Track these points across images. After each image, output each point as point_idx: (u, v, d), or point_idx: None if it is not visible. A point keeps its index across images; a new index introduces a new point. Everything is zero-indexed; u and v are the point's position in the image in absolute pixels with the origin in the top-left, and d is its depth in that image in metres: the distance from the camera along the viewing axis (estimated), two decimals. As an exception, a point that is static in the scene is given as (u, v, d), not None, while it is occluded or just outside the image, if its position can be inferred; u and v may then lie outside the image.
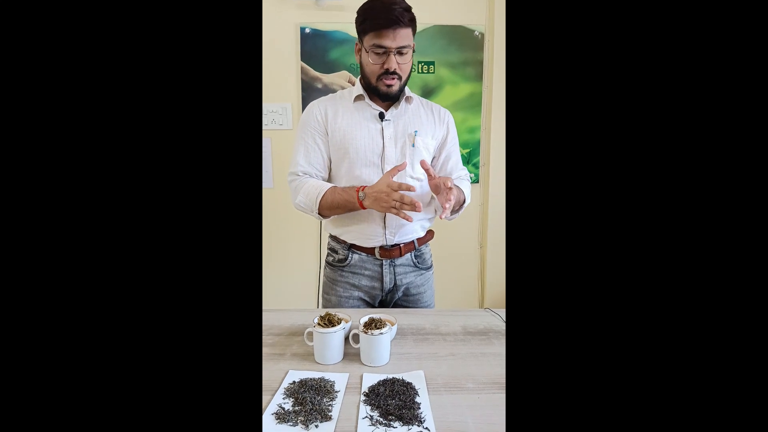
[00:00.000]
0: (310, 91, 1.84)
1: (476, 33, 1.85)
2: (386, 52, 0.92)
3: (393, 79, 0.95)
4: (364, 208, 0.94)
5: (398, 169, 0.89)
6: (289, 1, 1.79)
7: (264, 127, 1.86)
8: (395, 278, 1.07)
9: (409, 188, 0.86)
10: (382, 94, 0.98)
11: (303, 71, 1.83)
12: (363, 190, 0.93)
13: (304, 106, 1.88)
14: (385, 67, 0.93)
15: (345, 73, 1.83)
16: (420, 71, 1.86)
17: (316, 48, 1.82)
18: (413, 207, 0.84)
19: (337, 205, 0.97)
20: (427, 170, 0.91)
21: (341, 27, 1.80)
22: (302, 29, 1.81)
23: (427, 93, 1.86)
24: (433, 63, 1.86)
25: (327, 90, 1.84)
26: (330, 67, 1.83)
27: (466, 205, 1.07)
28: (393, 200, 0.86)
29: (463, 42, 1.85)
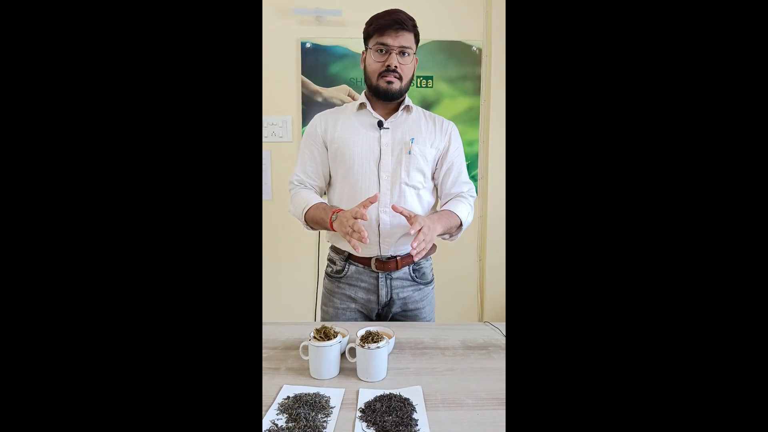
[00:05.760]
0: (310, 105, 1.86)
1: (474, 48, 1.88)
2: (388, 50, 0.98)
3: (394, 76, 0.98)
4: (333, 230, 0.96)
5: (371, 201, 0.90)
6: (290, 17, 1.83)
7: (264, 140, 1.87)
8: (391, 292, 1.06)
9: (363, 217, 0.88)
10: (383, 93, 1.00)
11: (303, 85, 1.86)
12: (337, 212, 0.95)
13: (304, 119, 1.90)
14: (387, 64, 0.98)
15: (345, 87, 1.86)
16: (419, 85, 1.88)
17: (316, 62, 1.84)
18: (360, 236, 0.86)
19: (316, 221, 1.01)
20: (399, 212, 0.92)
21: (341, 42, 1.83)
22: (303, 44, 1.84)
23: (426, 107, 1.87)
24: (431, 77, 1.88)
25: (327, 103, 1.86)
26: (330, 81, 1.86)
27: (465, 226, 1.06)
28: (348, 226, 0.88)
29: (461, 57, 1.87)
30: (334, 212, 0.96)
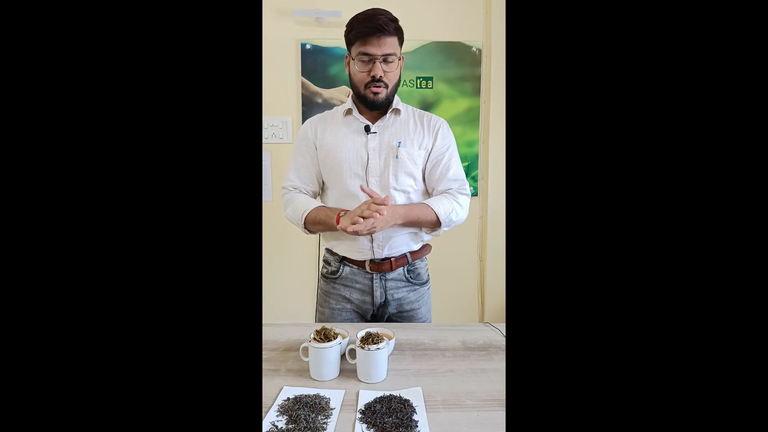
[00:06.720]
0: (310, 106, 1.86)
1: (474, 49, 1.88)
2: (372, 59, 0.95)
3: (379, 87, 0.97)
4: (338, 225, 0.94)
5: (381, 201, 0.88)
6: (290, 18, 1.83)
7: (264, 141, 1.87)
8: (386, 293, 1.05)
9: (384, 202, 0.87)
10: (370, 103, 0.99)
11: (303, 86, 1.86)
12: (345, 211, 0.95)
13: (304, 120, 1.89)
14: (372, 74, 0.96)
15: (345, 88, 1.86)
16: (419, 86, 1.88)
17: (316, 63, 1.84)
18: (377, 208, 0.86)
19: (318, 221, 1.00)
20: (368, 193, 0.91)
21: (341, 43, 1.81)
22: (303, 45, 1.84)
23: (426, 108, 1.87)
24: (431, 78, 1.88)
25: (327, 104, 1.86)
26: (330, 82, 1.86)
27: (447, 223, 1.01)
28: (363, 209, 0.88)
29: (460, 58, 1.87)
30: (342, 211, 0.95)
